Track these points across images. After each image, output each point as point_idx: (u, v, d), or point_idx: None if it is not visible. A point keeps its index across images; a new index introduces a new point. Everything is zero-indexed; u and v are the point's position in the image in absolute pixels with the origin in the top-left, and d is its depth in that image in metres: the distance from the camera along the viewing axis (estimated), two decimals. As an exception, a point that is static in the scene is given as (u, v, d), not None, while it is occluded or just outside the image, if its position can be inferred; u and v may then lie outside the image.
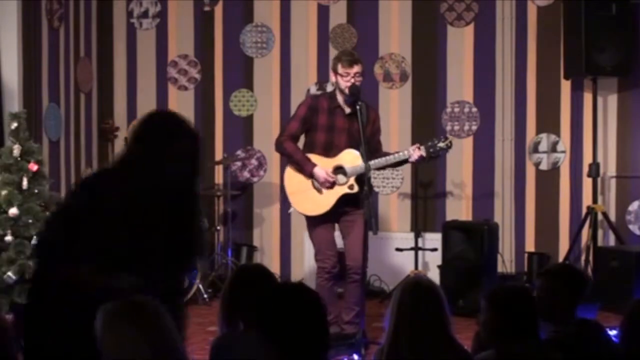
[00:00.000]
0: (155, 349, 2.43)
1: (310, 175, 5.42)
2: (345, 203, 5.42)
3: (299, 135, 5.54)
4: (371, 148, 5.33)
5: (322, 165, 5.42)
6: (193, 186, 3.33)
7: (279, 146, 5.52)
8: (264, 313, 2.64)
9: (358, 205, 5.37)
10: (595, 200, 7.00)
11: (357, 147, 5.37)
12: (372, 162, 5.22)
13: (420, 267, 7.06)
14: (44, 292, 3.17)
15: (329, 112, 5.45)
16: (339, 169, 5.43)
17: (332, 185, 5.39)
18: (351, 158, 5.39)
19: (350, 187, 5.39)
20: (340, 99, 5.45)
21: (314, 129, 5.47)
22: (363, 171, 5.22)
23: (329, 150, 5.45)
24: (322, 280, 5.45)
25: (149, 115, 3.35)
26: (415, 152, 5.35)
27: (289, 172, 5.54)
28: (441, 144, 5.42)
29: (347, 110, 5.43)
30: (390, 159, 5.36)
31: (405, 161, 5.44)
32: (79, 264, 3.08)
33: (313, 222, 5.50)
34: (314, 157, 5.44)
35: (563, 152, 7.34)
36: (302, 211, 5.54)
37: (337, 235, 5.62)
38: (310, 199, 5.44)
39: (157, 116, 3.46)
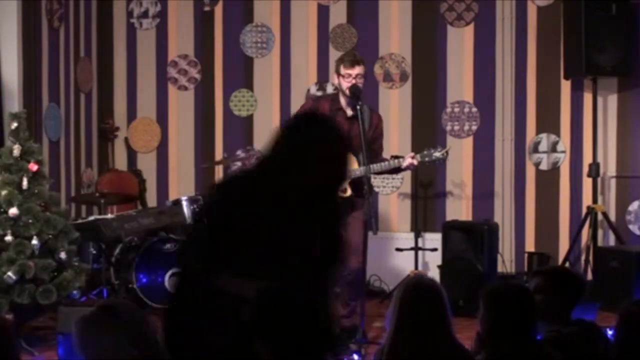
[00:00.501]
0: (140, 349, 2.43)
1: None
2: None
3: None
4: (372, 153, 5.33)
5: None
6: (336, 190, 3.18)
7: None
8: (259, 318, 2.65)
9: (352, 208, 5.38)
10: (595, 200, 7.00)
11: (357, 151, 5.38)
12: (366, 168, 5.23)
13: (420, 267, 7.06)
14: (188, 298, 3.04)
15: (330, 114, 5.45)
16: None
17: None
18: None
19: (344, 190, 5.40)
20: (342, 101, 5.45)
21: None
22: (358, 175, 5.22)
23: None
24: (321, 280, 5.45)
25: (291, 117, 3.25)
26: (407, 160, 5.37)
27: None
28: (437, 154, 5.46)
29: (349, 113, 5.42)
30: (385, 165, 5.38)
31: (399, 169, 5.47)
32: (221, 271, 2.96)
33: None
34: None
35: (563, 152, 7.33)
36: None
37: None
38: None
39: (299, 118, 3.31)
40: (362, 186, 5.17)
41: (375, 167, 5.34)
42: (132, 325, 2.45)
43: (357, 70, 5.34)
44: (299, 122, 3.20)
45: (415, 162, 5.39)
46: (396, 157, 5.53)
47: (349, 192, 5.37)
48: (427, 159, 5.43)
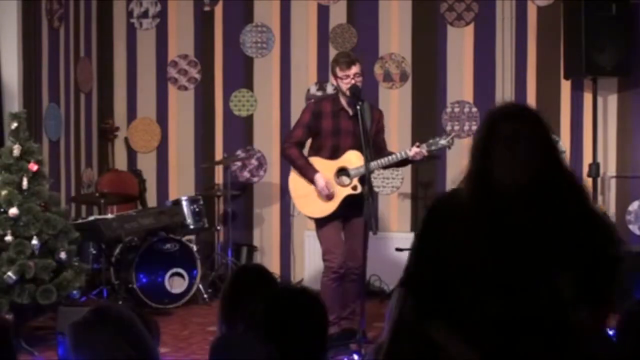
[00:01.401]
0: (136, 348, 2.43)
1: (312, 182, 5.46)
2: (351, 206, 5.43)
3: (304, 141, 5.60)
4: (376, 147, 5.36)
5: (326, 168, 5.45)
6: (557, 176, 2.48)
7: (283, 153, 5.63)
8: (268, 316, 2.65)
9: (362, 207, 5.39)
10: (595, 201, 7.00)
11: (361, 149, 5.40)
12: (373, 163, 5.26)
13: (420, 267, 7.05)
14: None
15: (332, 115, 5.48)
16: (342, 171, 5.46)
17: (329, 196, 5.42)
18: (354, 159, 5.41)
19: (354, 188, 5.42)
20: (343, 101, 5.47)
21: (320, 134, 5.51)
22: (365, 171, 5.24)
23: (336, 153, 5.49)
24: (328, 280, 5.47)
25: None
26: (413, 150, 5.39)
27: (293, 176, 5.58)
28: (442, 141, 5.48)
29: (351, 112, 5.45)
30: (392, 158, 5.41)
31: (407, 161, 5.48)
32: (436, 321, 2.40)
33: (321, 223, 5.53)
34: (317, 160, 5.47)
35: (563, 152, 7.31)
36: (308, 214, 5.59)
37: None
38: (314, 202, 5.47)
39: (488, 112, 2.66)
40: (369, 183, 5.22)
41: (383, 160, 5.37)
42: (122, 325, 2.46)
43: (354, 70, 5.35)
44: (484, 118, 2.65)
45: (423, 151, 5.40)
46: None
47: (359, 189, 5.38)
48: (433, 147, 5.46)
